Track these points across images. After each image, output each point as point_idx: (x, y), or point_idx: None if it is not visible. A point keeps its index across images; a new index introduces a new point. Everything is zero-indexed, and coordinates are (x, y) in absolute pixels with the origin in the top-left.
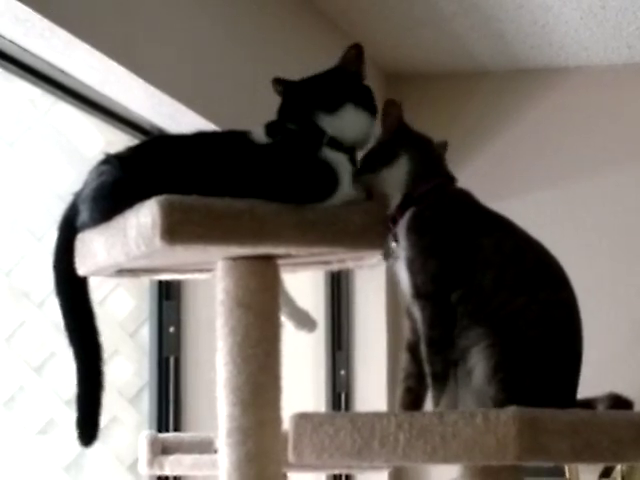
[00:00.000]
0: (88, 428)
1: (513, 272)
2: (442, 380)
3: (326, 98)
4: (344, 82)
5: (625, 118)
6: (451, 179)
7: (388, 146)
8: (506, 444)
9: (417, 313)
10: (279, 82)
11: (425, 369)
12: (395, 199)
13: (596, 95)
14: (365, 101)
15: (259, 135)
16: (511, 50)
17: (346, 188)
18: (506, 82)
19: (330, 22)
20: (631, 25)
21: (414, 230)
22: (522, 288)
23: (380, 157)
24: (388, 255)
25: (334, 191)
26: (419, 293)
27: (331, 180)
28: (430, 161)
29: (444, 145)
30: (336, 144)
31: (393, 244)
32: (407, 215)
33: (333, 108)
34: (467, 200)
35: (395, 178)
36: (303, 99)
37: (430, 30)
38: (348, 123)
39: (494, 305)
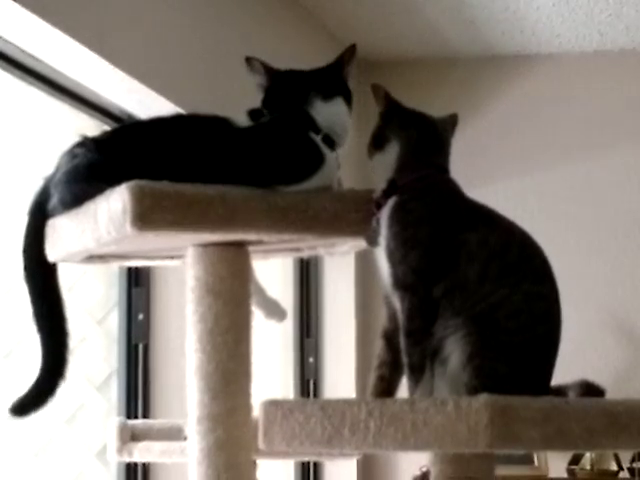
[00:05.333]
0: (29, 404)
1: (497, 266)
2: (419, 371)
3: (324, 86)
4: (339, 77)
5: (596, 105)
6: (442, 169)
7: (380, 130)
8: (477, 432)
9: (397, 303)
10: (264, 66)
11: (402, 359)
12: (382, 184)
13: (567, 82)
14: (350, 102)
15: (240, 120)
16: (482, 36)
17: (331, 169)
18: (477, 69)
19: (303, 8)
20: (603, 12)
21: (396, 221)
22: (505, 281)
23: (373, 142)
24: (372, 241)
25: (319, 168)
26: (399, 284)
27: (317, 156)
28: (423, 147)
29: (453, 120)
30: (326, 139)
31: (375, 230)
32: (389, 203)
33: (329, 96)
34: (452, 192)
35: (384, 163)
36: (299, 87)
37: (402, 17)
38: (337, 115)
39: (476, 298)
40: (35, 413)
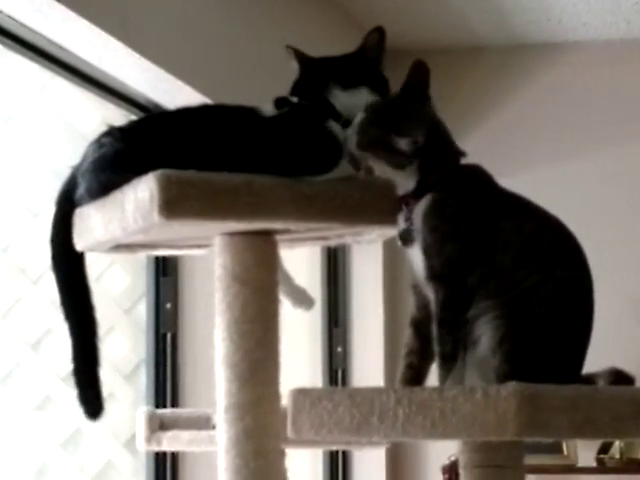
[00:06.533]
0: (92, 401)
1: (531, 252)
2: (450, 361)
3: (344, 75)
4: (364, 65)
5: (623, 93)
6: (461, 154)
7: None
8: (506, 420)
9: (431, 294)
10: (296, 53)
11: (434, 348)
12: (407, 181)
13: (594, 70)
14: (381, 90)
15: (266, 109)
16: (509, 25)
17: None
18: (504, 57)
19: None
20: (630, 0)
21: (436, 216)
22: (538, 266)
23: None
24: (407, 241)
25: (339, 160)
26: (434, 275)
27: (336, 150)
28: (443, 141)
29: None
30: (346, 124)
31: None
32: (425, 201)
33: (348, 86)
34: (486, 182)
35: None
36: (320, 74)
37: (428, 5)
38: (360, 104)
39: (510, 283)
40: (104, 406)
